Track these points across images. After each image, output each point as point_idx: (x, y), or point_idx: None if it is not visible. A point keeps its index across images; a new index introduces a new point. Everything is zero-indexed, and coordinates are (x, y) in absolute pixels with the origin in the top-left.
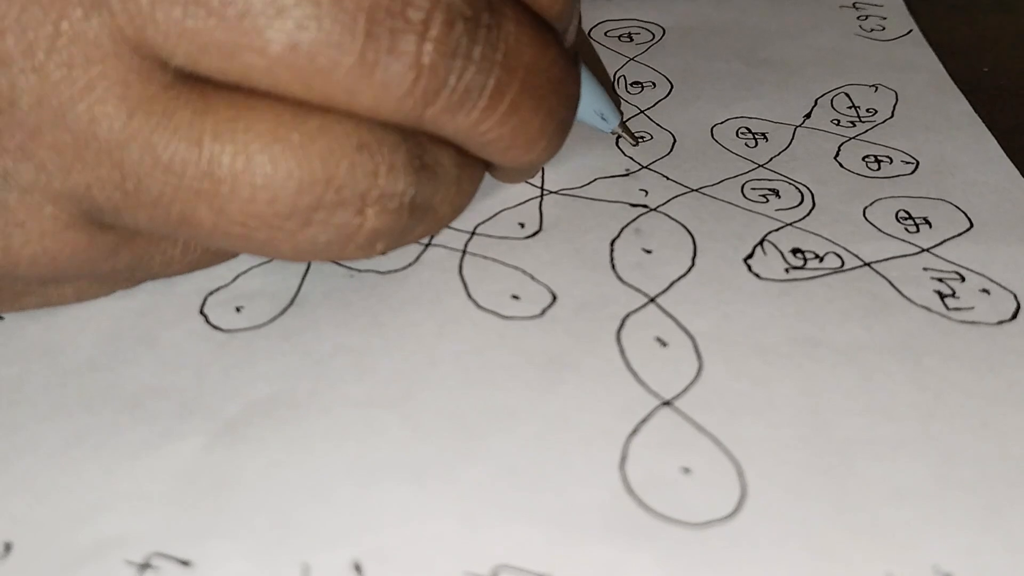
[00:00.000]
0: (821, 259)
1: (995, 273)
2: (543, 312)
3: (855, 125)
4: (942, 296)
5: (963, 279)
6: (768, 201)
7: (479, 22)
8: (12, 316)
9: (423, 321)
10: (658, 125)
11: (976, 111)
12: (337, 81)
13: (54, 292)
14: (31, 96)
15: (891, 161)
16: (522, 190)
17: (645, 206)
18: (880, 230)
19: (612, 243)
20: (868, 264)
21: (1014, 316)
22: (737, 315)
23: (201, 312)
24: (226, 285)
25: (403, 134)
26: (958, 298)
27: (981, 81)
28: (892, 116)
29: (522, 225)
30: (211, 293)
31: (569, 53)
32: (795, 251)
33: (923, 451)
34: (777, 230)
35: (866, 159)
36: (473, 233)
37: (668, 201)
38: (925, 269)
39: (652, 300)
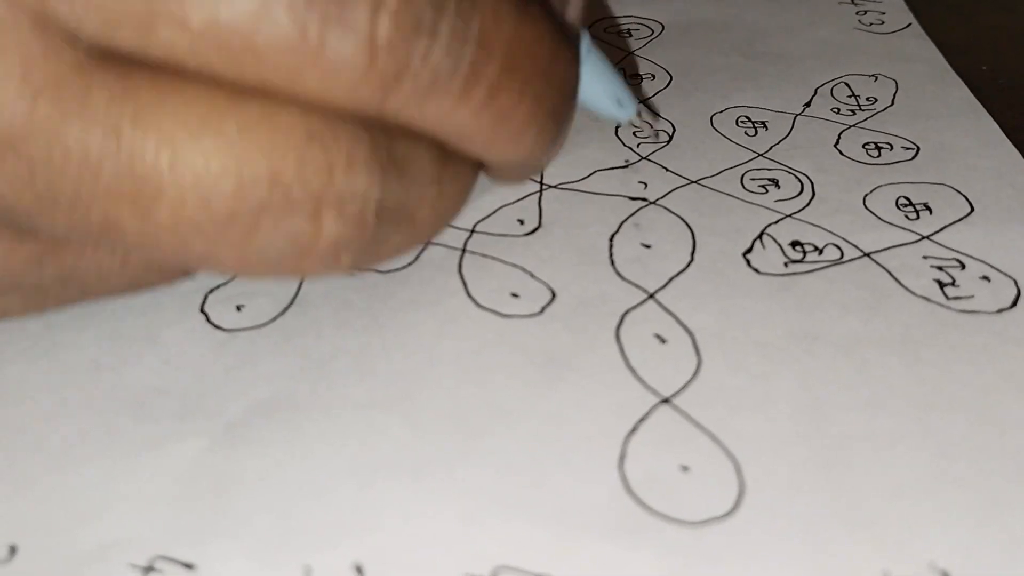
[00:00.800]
0: (820, 251)
1: (996, 259)
2: (542, 310)
3: (855, 113)
4: (942, 285)
5: (963, 266)
6: (768, 192)
7: None
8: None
9: (423, 321)
10: (658, 115)
11: None
12: (274, 61)
13: None
14: None
15: (891, 148)
16: (521, 185)
17: (644, 199)
18: (880, 218)
19: (611, 238)
20: (868, 255)
21: (1014, 304)
22: (736, 311)
23: (202, 310)
24: (226, 282)
25: (365, 125)
26: (958, 286)
27: (980, 80)
28: (892, 104)
29: (521, 222)
30: (211, 291)
31: (562, 29)
32: (794, 244)
33: (921, 445)
34: (776, 222)
35: (866, 146)
36: (472, 231)
37: (667, 194)
38: (925, 257)
39: (651, 296)
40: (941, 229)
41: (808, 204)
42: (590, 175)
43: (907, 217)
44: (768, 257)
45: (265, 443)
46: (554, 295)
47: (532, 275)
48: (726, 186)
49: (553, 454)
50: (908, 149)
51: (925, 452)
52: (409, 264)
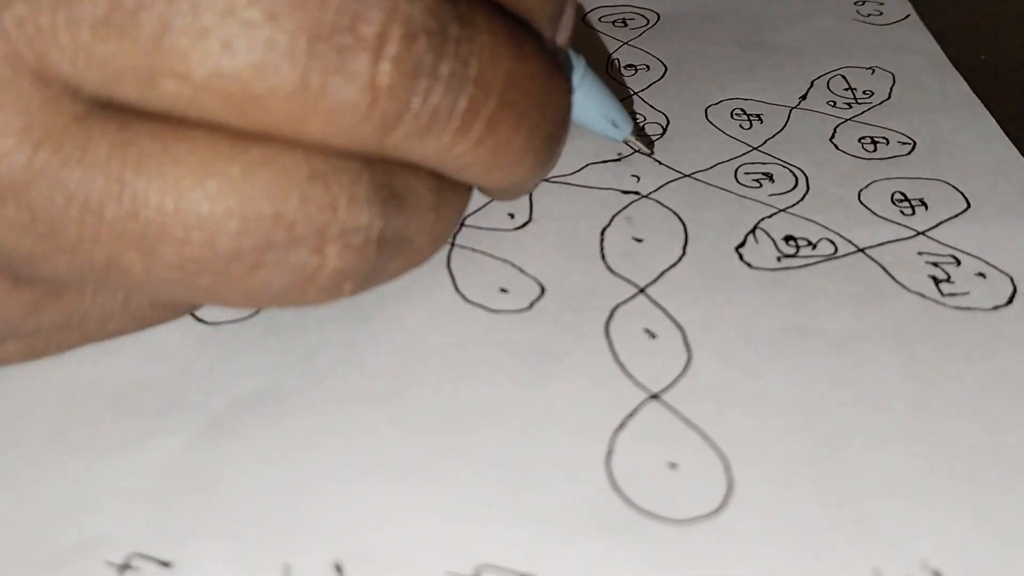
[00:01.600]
0: (814, 246)
1: (992, 255)
2: (531, 305)
3: (851, 107)
4: (936, 281)
5: (959, 263)
6: (761, 186)
7: (446, 35)
8: None
9: (410, 315)
10: (651, 106)
11: None
12: (276, 109)
13: None
14: None
15: (887, 142)
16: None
17: (637, 192)
18: (875, 213)
19: (603, 232)
20: (862, 250)
21: (1009, 301)
22: (727, 305)
23: None
24: None
25: (366, 160)
26: (953, 283)
27: (979, 68)
28: (889, 98)
29: (512, 216)
30: None
31: (555, 60)
32: (788, 238)
33: (913, 442)
34: (770, 216)
35: (862, 140)
36: (462, 224)
37: (660, 187)
38: (920, 253)
39: (642, 291)
40: (937, 225)
41: (802, 198)
42: (583, 168)
43: (902, 212)
44: (761, 251)
45: (248, 439)
46: (543, 290)
47: (521, 270)
48: (719, 180)
49: (539, 451)
50: (904, 144)
51: (918, 449)
52: None
